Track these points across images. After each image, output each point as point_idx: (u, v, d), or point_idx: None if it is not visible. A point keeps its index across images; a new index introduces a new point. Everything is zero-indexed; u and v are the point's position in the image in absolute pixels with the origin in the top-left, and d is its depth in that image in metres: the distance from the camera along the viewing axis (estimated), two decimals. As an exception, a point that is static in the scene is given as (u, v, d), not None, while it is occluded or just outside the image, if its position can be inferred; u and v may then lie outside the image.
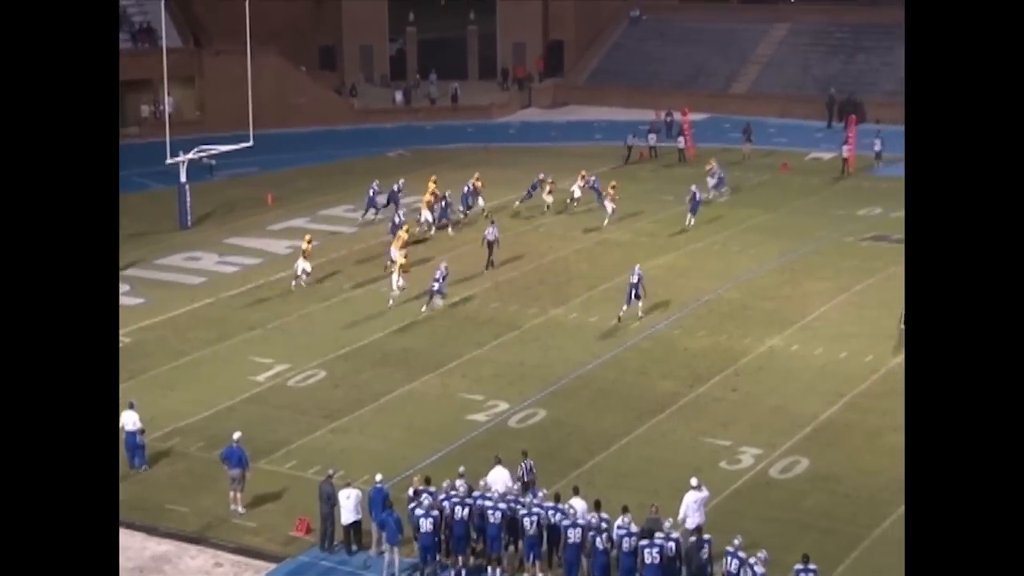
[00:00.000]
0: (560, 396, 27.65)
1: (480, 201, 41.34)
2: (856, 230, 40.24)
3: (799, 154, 51.78)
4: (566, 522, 19.93)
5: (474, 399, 27.39)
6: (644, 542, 19.27)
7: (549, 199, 41.80)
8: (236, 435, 23.00)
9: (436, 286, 32.46)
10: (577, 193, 42.06)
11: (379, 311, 33.06)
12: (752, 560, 18.58)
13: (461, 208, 41.22)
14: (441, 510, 20.52)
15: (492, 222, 37.38)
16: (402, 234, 35.56)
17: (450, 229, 40.14)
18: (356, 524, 21.30)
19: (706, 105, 60.08)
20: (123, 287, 33.96)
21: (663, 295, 33.51)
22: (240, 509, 22.62)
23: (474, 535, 20.73)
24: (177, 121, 52.13)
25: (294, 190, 46.60)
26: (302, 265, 34.68)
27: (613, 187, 40.97)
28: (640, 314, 31.96)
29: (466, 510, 20.46)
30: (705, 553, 19.37)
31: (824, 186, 46.66)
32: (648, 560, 19.10)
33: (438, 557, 20.55)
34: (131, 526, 21.70)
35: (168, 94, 52.45)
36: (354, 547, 21.29)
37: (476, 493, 20.87)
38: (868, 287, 34.57)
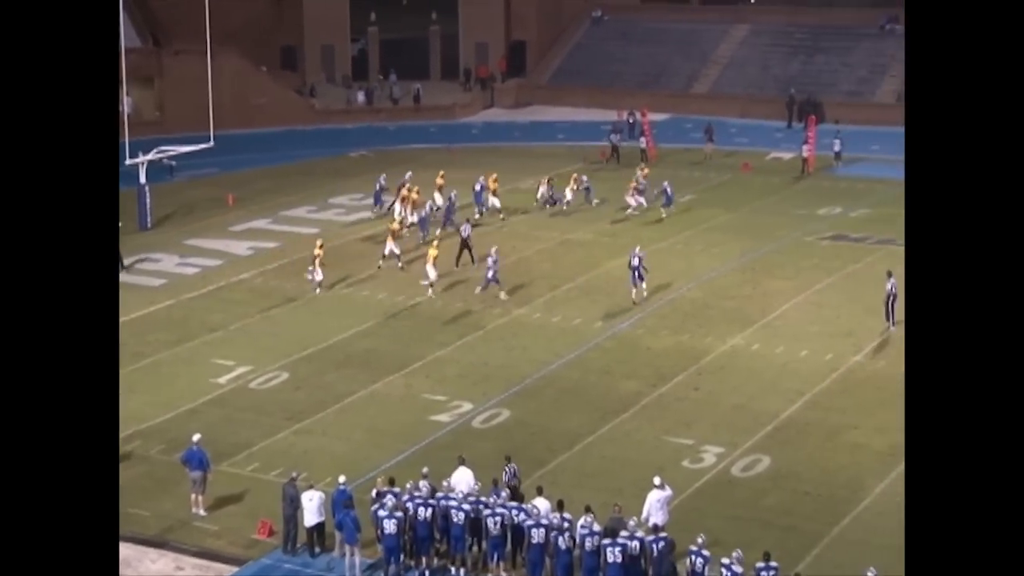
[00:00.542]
0: (524, 396, 27.68)
1: (495, 202, 41.31)
2: (816, 229, 40.55)
3: (760, 154, 52.09)
4: (530, 522, 19.96)
5: (438, 400, 27.37)
6: (607, 541, 19.34)
7: (495, 200, 41.62)
8: (195, 437, 22.88)
9: (491, 274, 33.25)
10: (569, 196, 42.18)
11: (342, 312, 32.99)
12: (727, 560, 18.67)
13: (477, 207, 41.50)
14: (405, 511, 20.50)
15: (467, 220, 37.96)
16: (393, 225, 36.55)
17: (473, 223, 39.57)
18: (319, 526, 21.23)
19: (668, 105, 60.32)
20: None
21: (624, 295, 33.63)
22: (201, 512, 22.49)
23: (438, 536, 20.73)
24: (136, 122, 51.69)
25: (255, 191, 46.37)
26: (315, 273, 34.26)
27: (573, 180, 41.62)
28: (644, 294, 32.89)
29: (430, 511, 20.45)
30: (670, 555, 19.43)
31: (785, 186, 46.97)
32: (611, 559, 19.16)
33: (402, 558, 20.53)
34: (91, 530, 21.52)
35: (127, 94, 52.00)
36: (317, 549, 21.22)
37: (440, 494, 20.87)
38: (828, 286, 34.85)
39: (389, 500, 20.42)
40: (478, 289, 33.76)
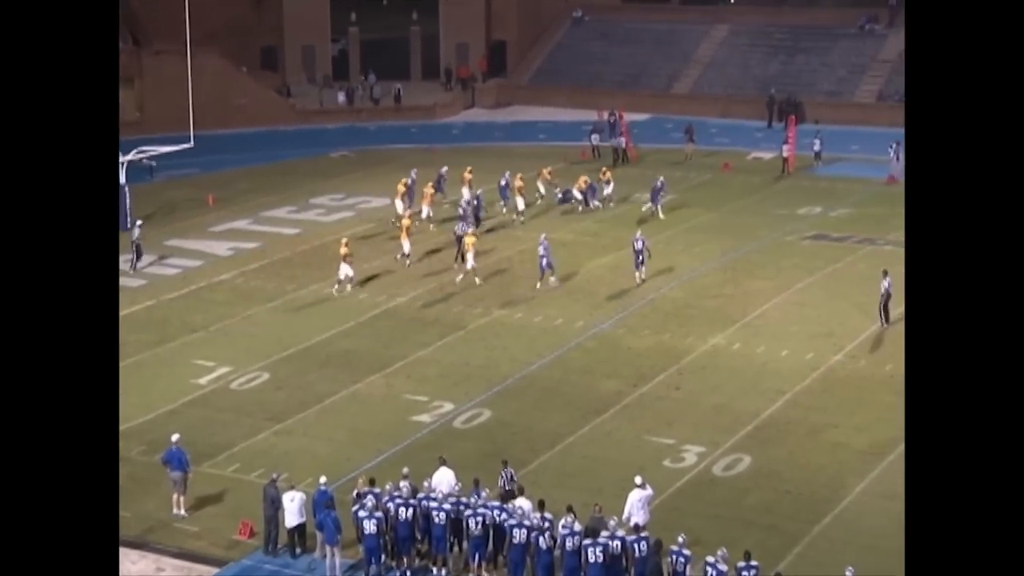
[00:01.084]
0: (505, 396, 27.68)
1: (520, 202, 41.15)
2: (797, 229, 40.68)
3: (740, 154, 52.22)
4: (511, 522, 19.95)
5: (419, 400, 27.34)
6: (588, 541, 19.35)
7: (520, 201, 41.57)
8: (175, 437, 22.80)
9: (544, 261, 34.00)
10: (577, 195, 42.26)
11: (323, 312, 32.93)
12: (712, 559, 18.70)
13: (501, 203, 41.70)
14: (385, 511, 20.47)
15: (461, 218, 38.26)
16: (406, 222, 36.85)
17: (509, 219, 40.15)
18: (300, 527, 21.18)
19: (648, 105, 60.44)
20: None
21: (606, 294, 33.66)
22: (182, 512, 22.42)
23: (419, 536, 20.70)
24: (116, 122, 51.46)
25: (235, 191, 46.23)
26: (345, 270, 34.13)
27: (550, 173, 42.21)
28: (644, 277, 34.27)
29: (410, 511, 20.42)
30: (656, 555, 19.43)
31: (765, 185, 47.10)
32: (592, 559, 19.17)
33: (383, 559, 20.50)
34: (71, 532, 21.41)
35: (107, 94, 51.75)
36: (298, 550, 21.17)
37: (420, 494, 20.84)
38: (809, 285, 34.95)
39: (369, 501, 20.39)
40: (538, 284, 34.15)
